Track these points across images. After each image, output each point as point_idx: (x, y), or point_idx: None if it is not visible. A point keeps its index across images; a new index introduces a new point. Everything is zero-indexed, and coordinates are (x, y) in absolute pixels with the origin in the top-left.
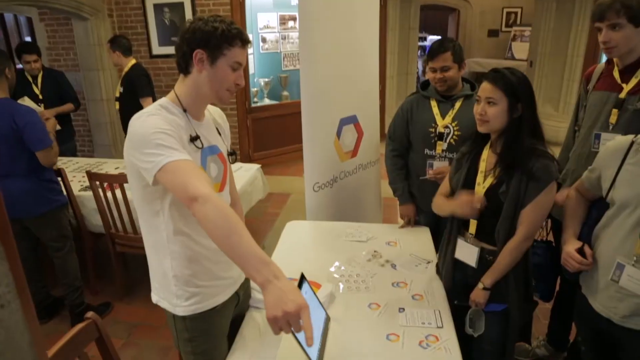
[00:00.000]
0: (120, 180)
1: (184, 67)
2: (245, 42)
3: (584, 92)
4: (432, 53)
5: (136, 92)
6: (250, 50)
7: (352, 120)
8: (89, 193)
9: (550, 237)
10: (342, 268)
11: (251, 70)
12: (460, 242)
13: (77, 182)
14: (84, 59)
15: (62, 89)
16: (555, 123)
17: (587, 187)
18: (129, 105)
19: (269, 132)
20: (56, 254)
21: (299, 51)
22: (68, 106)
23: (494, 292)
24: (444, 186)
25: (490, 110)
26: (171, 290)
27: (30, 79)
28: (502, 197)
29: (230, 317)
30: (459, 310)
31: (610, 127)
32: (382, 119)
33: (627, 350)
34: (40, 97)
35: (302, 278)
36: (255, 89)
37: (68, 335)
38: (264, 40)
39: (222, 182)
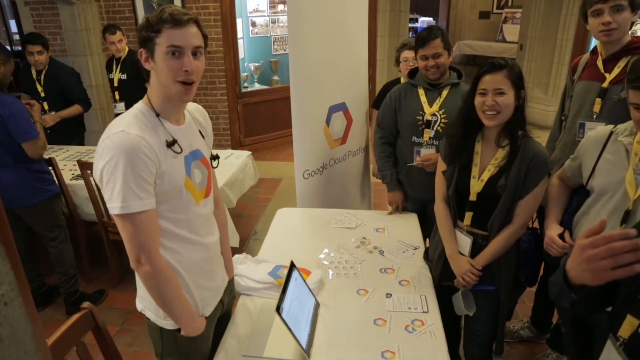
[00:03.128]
0: None
1: (147, 75)
2: (176, 22)
3: (570, 82)
4: (422, 41)
5: (142, 77)
6: (240, 35)
7: (341, 107)
8: (81, 182)
9: (536, 225)
10: (332, 255)
11: (241, 55)
12: (459, 235)
13: (69, 171)
14: (71, 45)
15: (64, 88)
16: (544, 107)
17: (568, 175)
18: (136, 90)
19: (259, 117)
20: (51, 244)
21: (287, 36)
22: (74, 109)
23: (484, 274)
24: (441, 188)
25: (501, 99)
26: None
27: (34, 74)
28: (499, 189)
29: (214, 324)
30: (442, 290)
31: (594, 116)
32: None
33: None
34: (43, 94)
35: (292, 266)
36: (246, 73)
37: (65, 325)
38: (253, 24)
39: (207, 188)
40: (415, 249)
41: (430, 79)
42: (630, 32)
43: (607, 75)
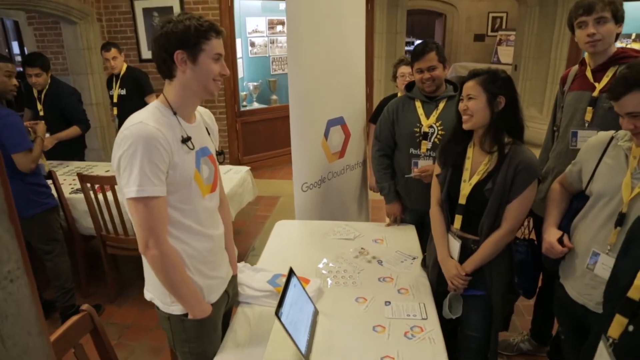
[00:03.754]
0: (111, 182)
1: (168, 72)
2: (219, 32)
3: (561, 94)
4: (417, 54)
5: (142, 91)
6: (239, 54)
7: (339, 121)
8: (80, 195)
9: (533, 235)
10: (330, 265)
11: (240, 75)
12: (450, 239)
13: (68, 185)
14: (73, 63)
15: (63, 108)
16: (538, 125)
17: (569, 180)
18: (133, 106)
19: (258, 136)
20: (46, 257)
21: (287, 54)
22: (72, 130)
23: (476, 279)
24: (436, 192)
25: (471, 103)
26: (164, 289)
27: (35, 93)
28: (486, 193)
29: (221, 316)
30: (439, 296)
31: (586, 125)
32: None
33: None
34: (42, 113)
35: (291, 272)
36: (245, 92)
37: (63, 327)
38: (252, 44)
39: (214, 183)
40: (414, 258)
41: (426, 92)
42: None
43: (596, 84)
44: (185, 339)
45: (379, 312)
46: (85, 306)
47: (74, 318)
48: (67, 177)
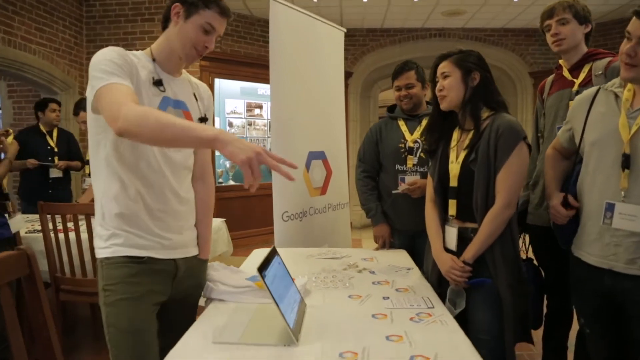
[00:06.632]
0: (75, 211)
1: (164, 22)
2: (223, 11)
3: (540, 103)
4: (396, 72)
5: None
6: None
7: (321, 155)
8: (37, 235)
9: (530, 254)
10: (315, 277)
11: (217, 152)
12: (447, 229)
13: (25, 229)
14: None
15: (72, 147)
16: None
17: (561, 142)
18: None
19: (233, 213)
20: None
21: (269, 110)
22: (76, 163)
23: (479, 269)
24: (429, 188)
25: (445, 82)
26: (100, 230)
27: (44, 131)
28: (472, 166)
29: (161, 288)
30: (443, 297)
31: None
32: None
33: (636, 308)
34: (56, 149)
35: (274, 251)
36: (221, 170)
37: None
38: (230, 124)
39: None
40: (409, 269)
41: (404, 109)
42: None
43: (575, 80)
44: (103, 287)
45: (377, 305)
46: (24, 246)
47: (7, 252)
48: (26, 223)
